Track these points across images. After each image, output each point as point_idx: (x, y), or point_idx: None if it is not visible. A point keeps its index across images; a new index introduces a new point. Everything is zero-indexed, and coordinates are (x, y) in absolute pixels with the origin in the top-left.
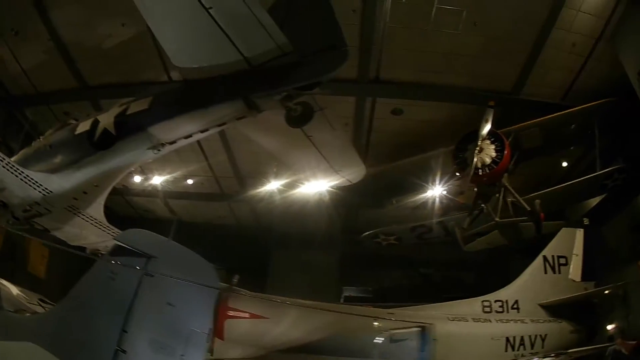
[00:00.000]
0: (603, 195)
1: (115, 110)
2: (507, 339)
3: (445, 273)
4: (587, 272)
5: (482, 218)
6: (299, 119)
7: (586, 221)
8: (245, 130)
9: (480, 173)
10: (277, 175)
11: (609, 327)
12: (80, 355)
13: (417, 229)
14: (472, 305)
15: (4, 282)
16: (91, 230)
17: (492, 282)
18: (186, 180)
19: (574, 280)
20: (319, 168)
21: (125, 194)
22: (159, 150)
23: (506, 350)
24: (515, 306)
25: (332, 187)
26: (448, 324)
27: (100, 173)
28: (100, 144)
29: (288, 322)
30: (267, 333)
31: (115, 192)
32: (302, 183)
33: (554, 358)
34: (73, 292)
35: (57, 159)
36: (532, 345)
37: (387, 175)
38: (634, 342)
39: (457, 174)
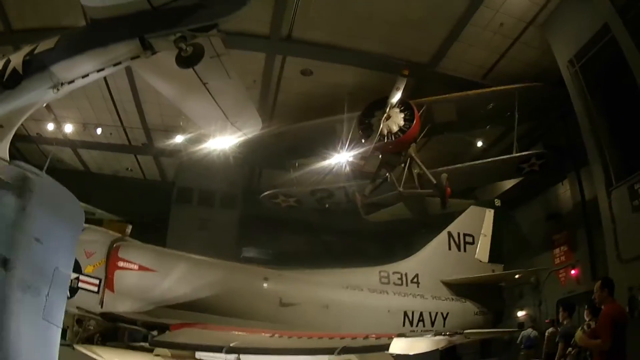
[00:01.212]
0: (518, 180)
1: (25, 50)
2: (405, 314)
3: (348, 242)
4: (495, 255)
5: (385, 187)
6: (188, 59)
7: (497, 202)
8: (142, 73)
9: (385, 140)
10: (183, 131)
11: (520, 313)
12: None
13: (318, 192)
14: (369, 274)
15: None
16: None
17: (397, 255)
18: (96, 129)
19: (480, 261)
20: (214, 118)
21: (39, 143)
22: (58, 89)
23: (404, 325)
24: (415, 280)
25: (233, 143)
26: (342, 292)
27: (5, 113)
28: (8, 83)
29: (176, 276)
30: (155, 286)
31: (29, 140)
32: (206, 139)
33: (447, 337)
34: None
35: None
36: (433, 323)
37: (292, 136)
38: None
39: (362, 140)
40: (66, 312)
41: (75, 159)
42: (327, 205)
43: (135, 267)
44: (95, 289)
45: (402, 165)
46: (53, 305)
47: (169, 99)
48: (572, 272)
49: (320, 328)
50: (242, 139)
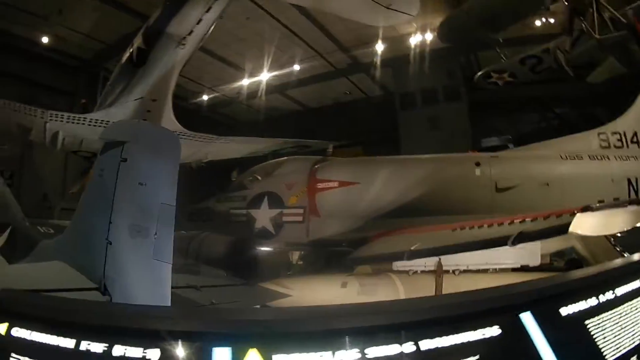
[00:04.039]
0: None
1: (142, 28)
2: (629, 181)
3: (580, 110)
4: None
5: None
6: None
7: None
8: None
9: None
10: (380, 37)
11: None
12: (87, 259)
13: (527, 60)
14: (588, 139)
15: None
16: None
17: None
18: (292, 67)
19: None
20: (366, 6)
21: (243, 100)
22: (183, 45)
23: (629, 196)
24: (635, 139)
25: (434, 34)
26: (560, 164)
27: (149, 88)
28: (138, 62)
29: (380, 183)
30: (359, 199)
31: (229, 102)
32: (409, 38)
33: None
34: (80, 202)
35: (115, 92)
36: None
37: (481, 10)
38: None
39: None
40: (275, 249)
41: (288, 101)
42: (539, 73)
43: (336, 184)
44: (300, 218)
45: (591, 10)
46: (161, 243)
47: (314, 7)
48: None
49: (542, 209)
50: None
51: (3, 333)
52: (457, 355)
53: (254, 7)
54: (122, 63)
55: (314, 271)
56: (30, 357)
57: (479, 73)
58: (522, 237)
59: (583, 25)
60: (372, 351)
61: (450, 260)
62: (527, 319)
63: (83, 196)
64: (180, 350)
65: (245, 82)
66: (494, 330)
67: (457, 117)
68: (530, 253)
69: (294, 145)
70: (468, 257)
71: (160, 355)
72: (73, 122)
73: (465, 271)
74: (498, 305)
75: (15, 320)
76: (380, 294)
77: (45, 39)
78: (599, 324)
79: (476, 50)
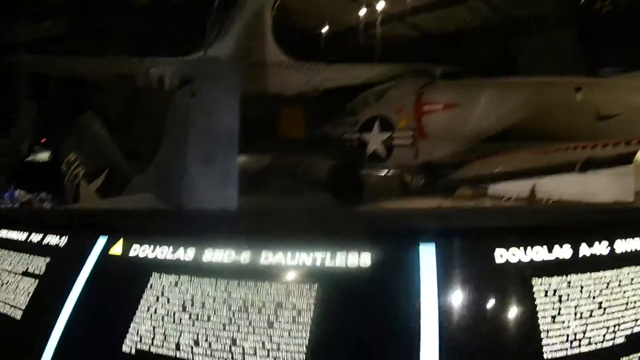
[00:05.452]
0: None
1: None
2: None
3: None
4: None
5: None
6: None
7: None
8: None
9: None
10: None
11: None
12: (167, 188)
13: None
14: None
15: None
16: None
17: None
18: None
19: None
20: None
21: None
22: None
23: None
24: None
25: None
26: None
27: (244, 25)
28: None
29: (482, 106)
30: (462, 122)
31: (349, 32)
32: None
33: None
34: (163, 138)
35: (214, 33)
36: None
37: None
38: None
39: None
40: (386, 174)
41: (409, 29)
42: None
43: (440, 106)
44: (410, 141)
45: None
46: (227, 167)
47: None
48: None
49: None
50: None
51: None
52: None
53: None
54: (216, 4)
55: (419, 194)
56: None
57: None
58: (589, 164)
59: None
60: (208, 254)
61: (545, 188)
62: (426, 252)
63: (164, 132)
64: (80, 237)
65: (363, 11)
66: (364, 257)
67: (569, 45)
68: (624, 187)
69: (411, 71)
70: (563, 187)
71: (67, 241)
72: (175, 65)
73: (558, 201)
74: (396, 228)
75: None
76: None
77: None
78: (557, 288)
79: None
